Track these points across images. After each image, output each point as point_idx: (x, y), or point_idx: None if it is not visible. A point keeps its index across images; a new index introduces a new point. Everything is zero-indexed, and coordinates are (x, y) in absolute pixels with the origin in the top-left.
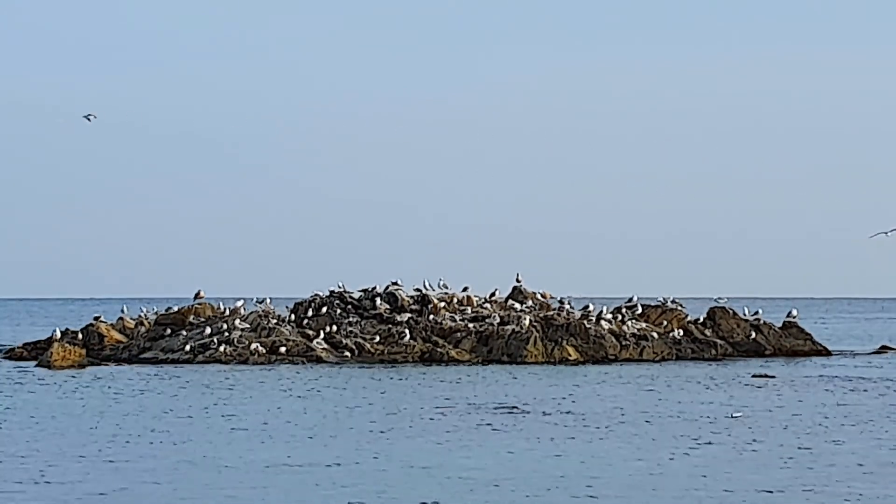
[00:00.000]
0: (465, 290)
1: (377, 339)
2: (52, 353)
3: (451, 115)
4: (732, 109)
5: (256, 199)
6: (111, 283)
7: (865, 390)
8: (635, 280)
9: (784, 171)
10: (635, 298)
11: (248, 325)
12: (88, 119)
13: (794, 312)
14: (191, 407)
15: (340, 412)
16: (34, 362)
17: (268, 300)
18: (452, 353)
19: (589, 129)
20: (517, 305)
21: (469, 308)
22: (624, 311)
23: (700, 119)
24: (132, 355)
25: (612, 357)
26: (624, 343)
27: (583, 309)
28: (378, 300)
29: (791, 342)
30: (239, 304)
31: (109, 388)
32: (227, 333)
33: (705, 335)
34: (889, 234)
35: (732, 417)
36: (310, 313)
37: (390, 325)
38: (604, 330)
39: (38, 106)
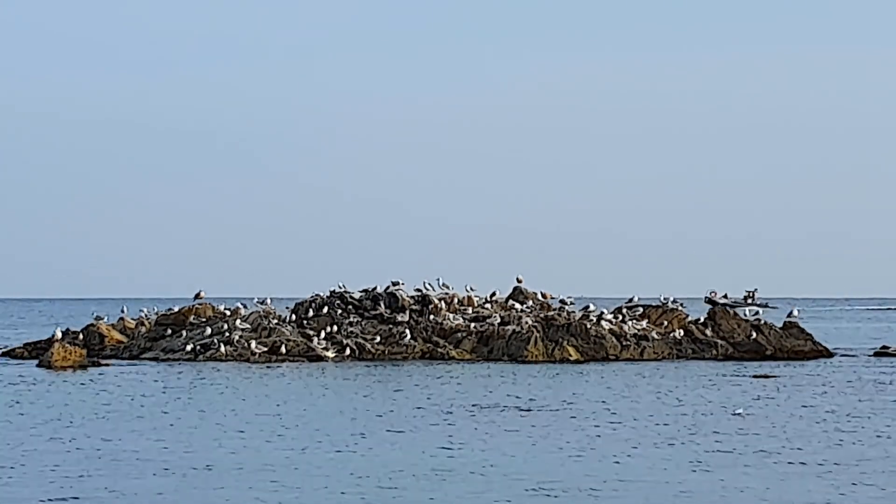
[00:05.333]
0: (471, 290)
1: (378, 339)
2: (52, 353)
3: (451, 115)
4: (732, 110)
5: (257, 199)
6: (111, 283)
7: (862, 390)
8: (635, 280)
9: (784, 171)
10: (636, 298)
11: (248, 326)
12: None
13: (795, 312)
14: (191, 407)
15: (340, 412)
16: (34, 362)
17: (268, 300)
18: (453, 353)
19: (589, 129)
20: (518, 306)
21: (470, 308)
22: (624, 311)
23: (701, 119)
24: (133, 355)
25: (613, 357)
26: (624, 343)
27: (583, 309)
28: (379, 300)
29: (792, 342)
30: (238, 305)
31: (110, 388)
32: (227, 333)
33: (706, 335)
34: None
35: (735, 415)
36: (310, 313)
37: (391, 326)
38: (604, 330)
39: (39, 106)
